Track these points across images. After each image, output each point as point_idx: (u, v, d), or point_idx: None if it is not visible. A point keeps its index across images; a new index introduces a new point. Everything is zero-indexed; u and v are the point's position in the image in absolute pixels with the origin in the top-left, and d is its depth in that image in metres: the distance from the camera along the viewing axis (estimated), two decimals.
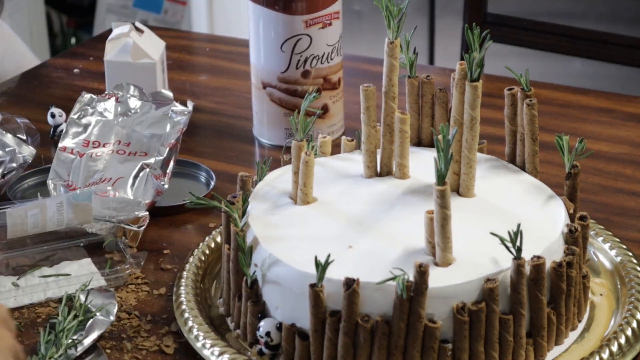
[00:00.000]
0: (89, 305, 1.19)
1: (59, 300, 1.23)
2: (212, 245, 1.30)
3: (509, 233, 1.05)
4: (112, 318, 1.18)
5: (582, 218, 1.17)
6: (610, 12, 3.93)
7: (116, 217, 1.33)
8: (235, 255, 1.15)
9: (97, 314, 1.18)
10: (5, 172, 1.43)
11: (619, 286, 1.22)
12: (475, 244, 1.10)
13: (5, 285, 1.25)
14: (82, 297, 1.19)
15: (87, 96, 1.50)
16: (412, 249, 1.10)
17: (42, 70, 1.93)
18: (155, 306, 1.23)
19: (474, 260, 1.07)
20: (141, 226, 1.32)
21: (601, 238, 1.28)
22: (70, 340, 1.14)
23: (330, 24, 1.54)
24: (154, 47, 1.70)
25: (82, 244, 1.33)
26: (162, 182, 1.39)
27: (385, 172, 1.24)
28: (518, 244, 1.05)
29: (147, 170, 1.39)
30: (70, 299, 1.20)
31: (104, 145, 1.44)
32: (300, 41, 1.53)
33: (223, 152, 1.60)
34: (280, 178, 1.24)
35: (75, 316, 1.17)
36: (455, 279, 1.05)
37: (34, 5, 3.39)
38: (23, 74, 1.92)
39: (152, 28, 1.81)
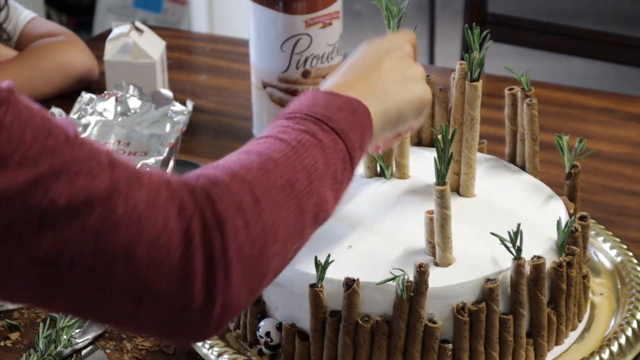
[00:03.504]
0: None
1: None
2: None
3: (509, 233, 1.05)
4: None
5: (582, 218, 1.17)
6: (611, 12, 3.93)
7: None
8: None
9: None
10: None
11: (619, 286, 1.22)
12: (475, 244, 1.10)
13: None
14: None
15: (86, 96, 1.50)
16: (412, 249, 1.09)
17: None
18: None
19: (474, 260, 1.07)
20: None
21: (601, 238, 1.28)
22: (69, 339, 1.14)
23: (330, 24, 1.54)
24: (154, 47, 1.70)
25: None
26: None
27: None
28: (518, 244, 1.05)
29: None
30: None
31: (103, 145, 1.43)
32: (301, 41, 1.53)
33: (223, 152, 1.58)
34: None
35: None
36: (455, 279, 1.05)
37: (33, 5, 3.38)
38: None
39: (152, 28, 1.80)
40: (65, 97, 1.75)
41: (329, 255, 1.04)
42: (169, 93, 1.57)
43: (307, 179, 0.86)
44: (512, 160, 1.26)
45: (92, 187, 0.74)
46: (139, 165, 1.39)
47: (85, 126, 1.45)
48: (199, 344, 1.12)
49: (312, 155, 0.88)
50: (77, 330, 1.16)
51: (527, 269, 1.06)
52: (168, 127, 1.45)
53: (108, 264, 0.74)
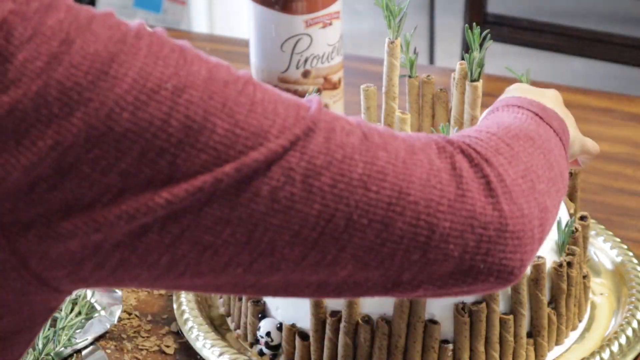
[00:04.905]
0: (94, 304, 1.18)
1: None
2: None
3: None
4: (114, 319, 1.18)
5: (582, 218, 1.17)
6: (611, 12, 3.93)
7: None
8: None
9: (102, 312, 1.17)
10: None
11: (619, 286, 1.22)
12: None
13: None
14: (89, 294, 1.19)
15: None
16: None
17: None
18: (155, 306, 1.23)
19: None
20: None
21: (602, 238, 1.28)
22: (69, 339, 1.14)
23: (330, 24, 1.54)
24: None
25: None
26: None
27: None
28: None
29: None
30: (76, 297, 1.20)
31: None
32: (301, 41, 1.53)
33: None
34: None
35: (79, 313, 1.17)
36: None
37: None
38: None
39: (152, 28, 1.80)
40: None
41: None
42: None
43: (544, 141, 0.85)
44: None
45: (347, 142, 0.73)
46: None
47: None
48: (199, 344, 1.12)
49: (545, 131, 0.87)
50: (78, 331, 1.16)
51: (528, 269, 1.06)
52: None
53: (385, 216, 0.72)
